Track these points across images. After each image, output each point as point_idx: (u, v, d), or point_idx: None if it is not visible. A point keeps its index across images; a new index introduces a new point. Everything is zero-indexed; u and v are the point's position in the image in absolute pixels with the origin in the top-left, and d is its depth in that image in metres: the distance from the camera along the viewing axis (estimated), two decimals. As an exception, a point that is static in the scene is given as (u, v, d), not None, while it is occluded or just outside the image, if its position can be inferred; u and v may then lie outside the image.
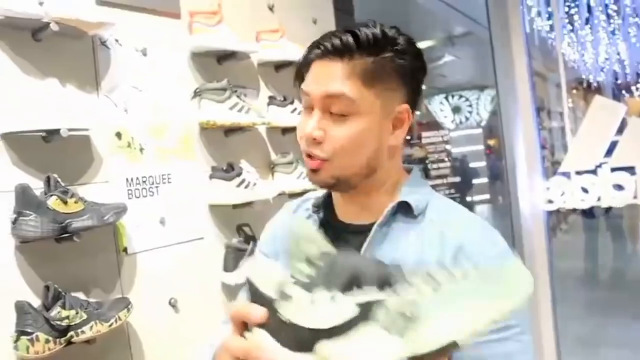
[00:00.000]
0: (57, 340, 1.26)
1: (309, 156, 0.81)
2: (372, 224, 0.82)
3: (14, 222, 1.26)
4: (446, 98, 8.49)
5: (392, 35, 0.79)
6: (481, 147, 8.15)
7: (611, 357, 3.24)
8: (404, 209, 0.82)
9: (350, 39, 0.77)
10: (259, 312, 0.56)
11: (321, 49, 0.79)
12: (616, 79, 7.04)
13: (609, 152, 2.86)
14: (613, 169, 2.80)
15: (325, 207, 0.91)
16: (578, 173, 2.89)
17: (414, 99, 0.83)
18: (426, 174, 4.76)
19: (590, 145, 2.83)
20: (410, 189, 0.85)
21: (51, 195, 1.31)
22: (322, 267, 0.56)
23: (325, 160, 0.80)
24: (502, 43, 3.09)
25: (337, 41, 0.77)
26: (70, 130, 1.34)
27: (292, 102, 2.00)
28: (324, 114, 0.79)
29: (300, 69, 0.84)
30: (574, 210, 4.73)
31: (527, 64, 3.06)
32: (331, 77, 0.78)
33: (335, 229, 0.88)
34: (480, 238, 0.79)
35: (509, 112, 3.09)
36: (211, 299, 1.81)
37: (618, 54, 6.07)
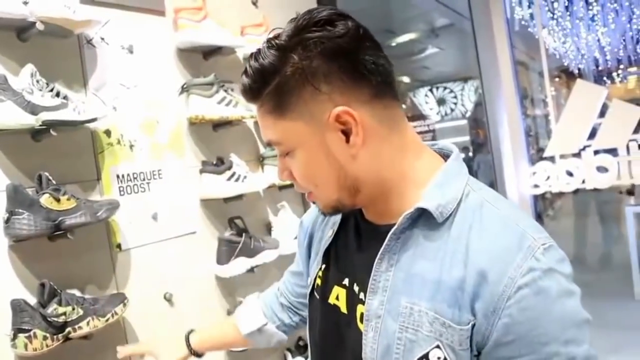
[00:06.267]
0: (55, 336, 1.27)
1: None
2: (392, 226, 0.73)
3: (7, 221, 1.26)
4: (431, 90, 8.53)
5: (289, 45, 0.69)
6: (467, 138, 8.21)
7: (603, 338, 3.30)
8: (427, 214, 0.71)
9: (248, 82, 0.73)
10: None
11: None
12: (597, 65, 7.12)
13: (592, 135, 2.92)
14: (596, 152, 2.86)
15: None
16: (562, 157, 2.95)
17: (358, 85, 0.70)
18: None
19: (574, 129, 2.88)
20: (437, 188, 0.73)
21: (43, 194, 1.31)
22: None
23: (311, 194, 0.78)
24: (484, 33, 3.13)
25: (243, 90, 0.75)
26: (59, 128, 1.35)
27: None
28: (281, 154, 0.77)
29: None
30: (560, 195, 4.81)
31: (509, 53, 3.11)
32: (260, 124, 0.76)
33: (360, 228, 0.84)
34: (509, 260, 0.64)
35: (494, 100, 3.14)
36: (205, 292, 1.82)
37: (598, 40, 6.16)
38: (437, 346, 0.67)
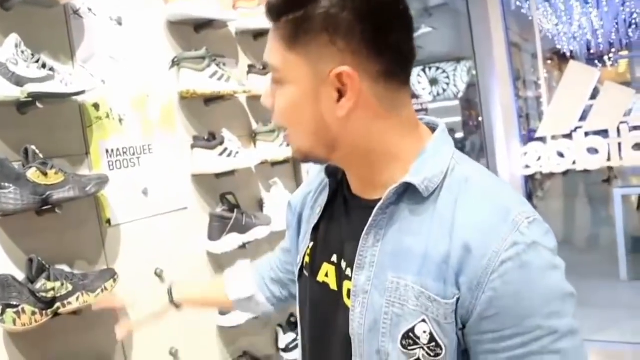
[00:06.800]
0: (44, 312, 1.26)
1: None
2: (379, 201, 0.72)
3: (-7, 195, 1.24)
4: (423, 70, 8.48)
5: None
6: (459, 118, 8.20)
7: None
8: (413, 189, 0.70)
9: (276, 0, 0.70)
10: None
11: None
12: (589, 48, 7.11)
13: (583, 117, 2.92)
14: (587, 133, 2.87)
15: (344, 175, 0.83)
16: (554, 138, 2.95)
17: (375, 57, 0.68)
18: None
19: (566, 110, 2.88)
20: (423, 162, 0.72)
21: (30, 167, 1.28)
22: None
23: (286, 130, 0.77)
24: (479, 12, 3.11)
25: (267, 4, 0.71)
26: (46, 100, 1.31)
27: (271, 71, 1.99)
28: (273, 81, 0.75)
29: None
30: (550, 176, 4.84)
31: (504, 33, 3.09)
32: (268, 44, 0.73)
33: (346, 201, 0.82)
34: (494, 233, 0.64)
35: (487, 81, 3.13)
36: (197, 269, 1.81)
37: (591, 23, 6.14)
38: (423, 320, 0.67)
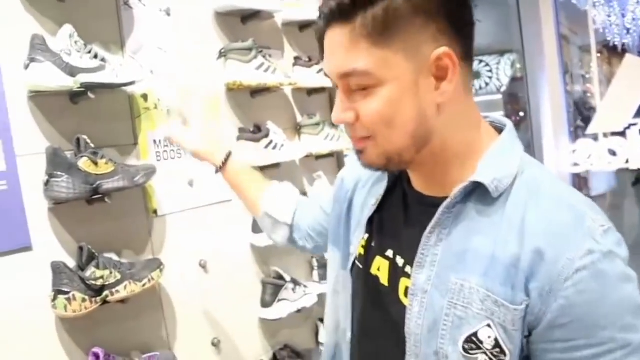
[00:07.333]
0: (93, 299, 1.28)
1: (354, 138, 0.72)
2: (444, 199, 0.69)
3: (46, 183, 1.26)
4: (466, 63, 8.33)
5: None
6: (501, 113, 8.02)
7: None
8: (482, 188, 0.67)
9: None
10: None
11: (322, 16, 0.66)
12: (642, 41, 6.81)
13: (639, 113, 2.79)
14: (643, 131, 2.73)
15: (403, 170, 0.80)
16: (605, 135, 2.83)
17: (458, 36, 0.65)
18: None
19: (620, 106, 2.75)
20: (491, 161, 0.69)
21: (82, 157, 1.30)
22: None
23: (368, 138, 0.69)
24: (529, 5, 3.01)
25: (332, 2, 0.64)
26: (97, 90, 1.32)
27: (317, 63, 1.96)
28: (348, 92, 0.68)
29: (320, 41, 0.70)
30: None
31: (555, 26, 2.98)
32: (336, 51, 0.65)
33: (406, 197, 0.79)
34: (568, 240, 0.61)
35: (536, 75, 3.03)
36: (240, 260, 1.81)
37: (646, 14, 5.86)
38: (488, 325, 0.64)
